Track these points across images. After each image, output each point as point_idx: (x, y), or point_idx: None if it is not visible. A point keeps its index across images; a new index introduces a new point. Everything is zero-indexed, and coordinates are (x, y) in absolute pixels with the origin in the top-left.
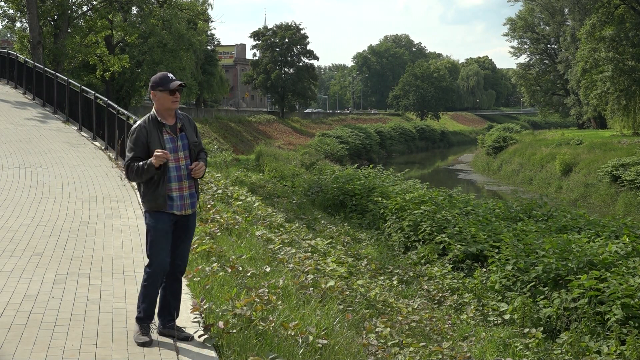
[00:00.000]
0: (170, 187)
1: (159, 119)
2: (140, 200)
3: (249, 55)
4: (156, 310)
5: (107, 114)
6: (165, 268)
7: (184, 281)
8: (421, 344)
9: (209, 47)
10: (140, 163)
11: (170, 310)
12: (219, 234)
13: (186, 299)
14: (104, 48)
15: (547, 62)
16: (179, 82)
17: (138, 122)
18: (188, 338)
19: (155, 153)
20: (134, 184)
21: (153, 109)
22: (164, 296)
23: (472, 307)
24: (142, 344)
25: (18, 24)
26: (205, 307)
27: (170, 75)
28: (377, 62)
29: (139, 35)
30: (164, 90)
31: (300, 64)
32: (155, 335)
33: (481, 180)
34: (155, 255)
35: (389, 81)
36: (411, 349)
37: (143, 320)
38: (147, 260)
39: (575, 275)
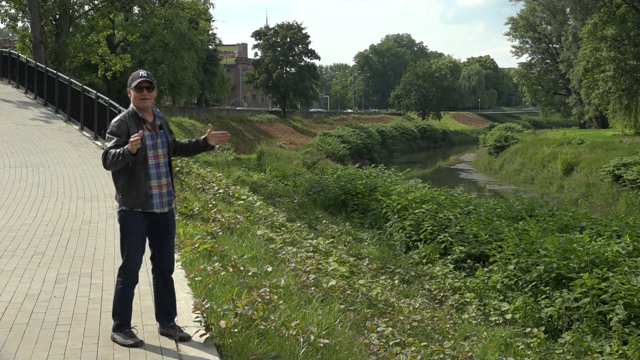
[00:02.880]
0: (151, 184)
1: (140, 114)
2: (115, 197)
3: (251, 54)
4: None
5: (109, 113)
6: (139, 268)
7: (186, 280)
8: (423, 344)
9: (210, 47)
10: (117, 150)
11: (169, 310)
12: (220, 233)
13: (187, 299)
14: (105, 47)
15: (548, 61)
16: (141, 79)
17: (118, 117)
18: (186, 338)
19: (130, 139)
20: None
21: (130, 106)
22: (160, 297)
23: (474, 306)
24: (133, 345)
25: (20, 24)
26: (206, 306)
27: (143, 72)
28: (379, 62)
29: (140, 35)
30: (132, 87)
31: (302, 63)
32: (156, 335)
33: (483, 179)
34: (132, 256)
35: (390, 81)
36: (413, 348)
37: (123, 326)
38: (120, 262)
39: (577, 275)
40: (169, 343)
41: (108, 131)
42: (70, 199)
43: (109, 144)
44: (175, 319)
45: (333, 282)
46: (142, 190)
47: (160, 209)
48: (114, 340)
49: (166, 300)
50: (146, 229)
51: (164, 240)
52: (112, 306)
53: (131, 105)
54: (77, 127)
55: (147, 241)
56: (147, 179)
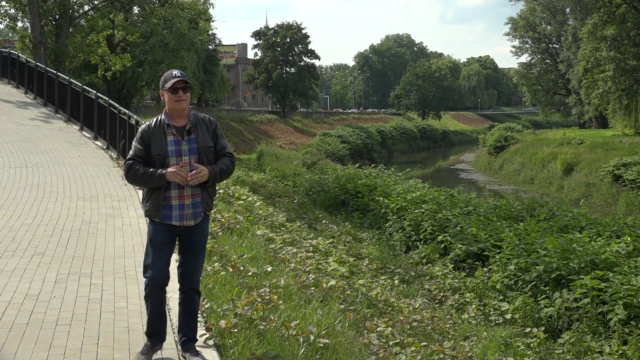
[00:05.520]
0: (170, 194)
1: (165, 119)
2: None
3: (251, 54)
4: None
5: (109, 113)
6: (160, 282)
7: None
8: (422, 344)
9: (210, 47)
10: (151, 170)
11: (184, 329)
12: (220, 233)
13: None
14: (105, 47)
15: (548, 61)
16: (176, 79)
17: (145, 124)
18: None
19: (175, 170)
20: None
21: (164, 110)
22: (179, 313)
23: (474, 306)
24: None
25: (19, 24)
26: (206, 306)
27: (176, 72)
28: (379, 62)
29: (140, 35)
30: (166, 89)
31: (302, 63)
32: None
33: (482, 179)
34: (149, 267)
35: (390, 81)
36: (412, 348)
37: (148, 335)
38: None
39: (577, 275)
40: (170, 340)
41: (133, 139)
42: (70, 199)
43: (129, 154)
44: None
45: (333, 282)
46: (155, 200)
47: (180, 221)
48: None
49: (183, 319)
50: (168, 240)
51: (188, 255)
52: None
53: (165, 108)
54: (77, 127)
55: (178, 249)
56: (163, 189)
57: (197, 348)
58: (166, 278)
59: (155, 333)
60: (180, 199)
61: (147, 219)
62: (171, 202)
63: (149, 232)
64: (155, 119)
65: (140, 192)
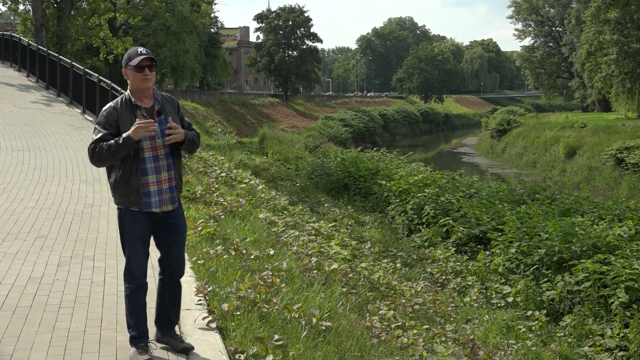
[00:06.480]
0: (147, 180)
1: (133, 100)
2: (110, 194)
3: (253, 38)
4: (151, 320)
5: (111, 97)
6: (144, 279)
7: (189, 264)
8: (424, 327)
9: (212, 30)
10: (114, 139)
11: (170, 318)
12: (222, 216)
13: (190, 282)
14: (107, 31)
15: (551, 44)
16: (142, 57)
17: (108, 105)
18: (189, 349)
19: (137, 126)
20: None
21: (127, 90)
22: (162, 304)
23: (476, 289)
24: None
25: (21, 7)
26: (209, 289)
27: (141, 49)
28: (381, 45)
29: (142, 18)
30: (131, 67)
31: (304, 46)
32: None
33: (485, 163)
34: (133, 259)
35: (392, 64)
36: (414, 331)
37: (138, 339)
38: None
39: (579, 259)
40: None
41: (96, 121)
42: (73, 182)
43: (94, 137)
44: (176, 327)
45: (335, 266)
46: (132, 188)
47: (159, 207)
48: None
49: (169, 308)
50: (148, 229)
51: (172, 242)
52: (125, 317)
53: (128, 88)
54: (79, 111)
55: (155, 241)
56: (140, 174)
57: (200, 330)
58: (146, 272)
59: (145, 331)
60: (158, 184)
61: (119, 210)
62: (149, 188)
63: (124, 223)
64: (119, 100)
65: None
